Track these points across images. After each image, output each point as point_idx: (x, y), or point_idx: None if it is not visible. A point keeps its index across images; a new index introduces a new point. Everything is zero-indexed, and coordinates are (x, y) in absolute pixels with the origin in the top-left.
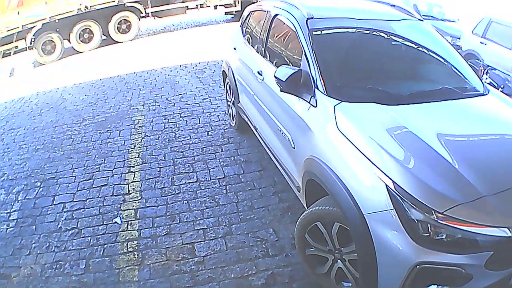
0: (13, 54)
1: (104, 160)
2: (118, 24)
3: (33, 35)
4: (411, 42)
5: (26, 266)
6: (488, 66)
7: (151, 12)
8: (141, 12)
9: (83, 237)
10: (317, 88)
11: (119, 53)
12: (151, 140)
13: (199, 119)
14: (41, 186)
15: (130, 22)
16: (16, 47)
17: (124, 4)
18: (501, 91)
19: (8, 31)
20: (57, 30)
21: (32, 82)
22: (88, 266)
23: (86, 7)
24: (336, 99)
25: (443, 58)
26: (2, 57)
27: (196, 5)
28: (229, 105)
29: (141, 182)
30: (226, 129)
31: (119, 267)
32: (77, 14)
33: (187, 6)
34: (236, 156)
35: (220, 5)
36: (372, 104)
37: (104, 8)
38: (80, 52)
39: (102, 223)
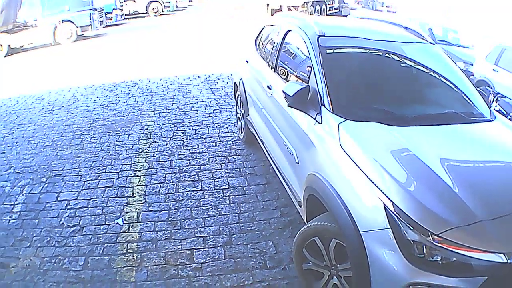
0: None
1: (111, 162)
2: None
3: None
4: (420, 64)
5: (26, 257)
6: (499, 93)
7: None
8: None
9: (84, 234)
10: (323, 105)
11: (137, 55)
12: (159, 146)
13: (208, 129)
14: (47, 182)
15: None
16: None
17: None
18: (509, 119)
19: None
20: None
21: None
22: (87, 263)
23: None
24: (341, 117)
25: (451, 82)
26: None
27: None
28: (239, 117)
29: (145, 186)
30: (234, 141)
31: (117, 266)
32: None
33: None
34: (242, 168)
35: None
36: (377, 124)
37: None
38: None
39: (104, 223)
